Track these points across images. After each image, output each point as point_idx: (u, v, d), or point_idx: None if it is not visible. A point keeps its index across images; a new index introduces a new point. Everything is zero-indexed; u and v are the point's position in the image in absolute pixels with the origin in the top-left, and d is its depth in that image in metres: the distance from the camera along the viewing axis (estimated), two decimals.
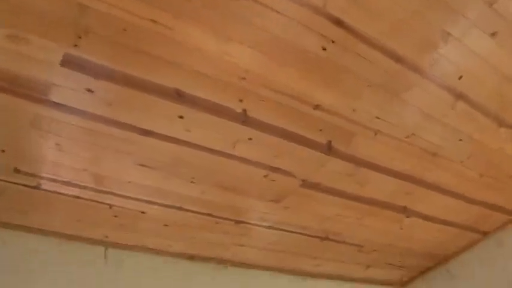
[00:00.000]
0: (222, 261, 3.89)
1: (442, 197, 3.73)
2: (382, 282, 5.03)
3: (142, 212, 3.12)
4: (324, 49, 2.36)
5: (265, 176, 3.01)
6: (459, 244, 4.65)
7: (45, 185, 2.78)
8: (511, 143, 3.38)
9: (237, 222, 3.41)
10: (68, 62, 2.14)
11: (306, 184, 3.18)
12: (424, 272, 5.05)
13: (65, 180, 2.76)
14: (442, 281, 4.91)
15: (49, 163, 2.66)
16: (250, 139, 2.70)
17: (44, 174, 2.72)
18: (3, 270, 3.01)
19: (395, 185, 3.43)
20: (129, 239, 3.42)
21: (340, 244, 4.03)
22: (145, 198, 3.01)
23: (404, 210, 3.78)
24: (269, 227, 3.56)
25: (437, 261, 4.88)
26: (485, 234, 4.56)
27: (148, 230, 3.33)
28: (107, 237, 3.35)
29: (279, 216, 3.46)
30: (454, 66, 2.67)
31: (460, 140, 3.20)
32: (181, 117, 2.48)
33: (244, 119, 2.57)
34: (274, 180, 3.05)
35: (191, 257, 3.74)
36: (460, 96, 2.86)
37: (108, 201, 2.99)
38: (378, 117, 2.83)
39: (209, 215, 3.26)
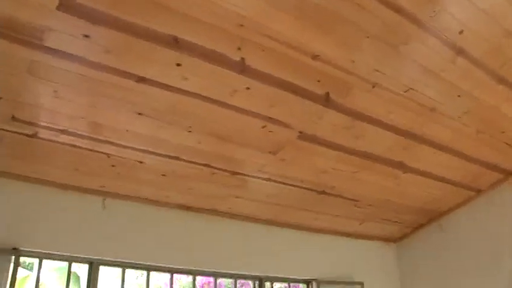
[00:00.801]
0: (218, 213, 3.93)
1: (438, 153, 3.75)
2: (376, 238, 5.11)
3: (140, 162, 3.13)
4: None
5: (262, 127, 3.01)
6: (453, 201, 4.69)
7: (43, 134, 2.79)
8: (508, 101, 3.37)
9: (234, 173, 3.44)
10: (64, 6, 2.11)
11: (303, 136, 3.18)
12: (417, 228, 5.11)
13: (62, 128, 2.77)
14: (434, 237, 4.97)
15: (46, 111, 2.66)
16: (247, 88, 2.69)
17: (41, 123, 2.72)
18: (1, 220, 3.05)
19: (392, 139, 3.44)
20: (127, 189, 3.45)
21: (336, 198, 4.06)
22: (142, 147, 3.03)
23: (401, 166, 3.81)
24: (266, 179, 3.59)
25: (431, 217, 4.93)
26: (478, 192, 4.59)
27: (145, 180, 3.36)
28: (104, 187, 3.38)
29: (275, 168, 3.48)
30: (455, 19, 2.63)
31: (459, 95, 3.19)
32: (178, 64, 2.46)
33: (242, 68, 2.55)
34: (271, 131, 3.06)
35: (188, 208, 3.78)
36: (460, 51, 2.83)
37: (105, 151, 3.00)
38: (376, 70, 2.81)
39: (206, 165, 3.28)
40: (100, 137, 2.89)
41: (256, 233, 4.21)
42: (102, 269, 3.47)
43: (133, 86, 2.54)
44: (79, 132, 2.82)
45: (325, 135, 3.25)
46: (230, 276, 4.12)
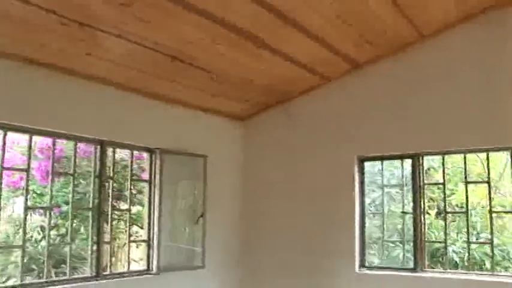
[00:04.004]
0: (61, 70, 3.58)
1: (296, 34, 3.73)
2: (224, 114, 5.16)
3: None
4: None
5: None
6: (303, 85, 4.83)
7: None
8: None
9: (83, 25, 3.07)
10: None
11: None
12: (265, 108, 5.24)
13: None
14: (281, 120, 5.13)
15: None
16: None
17: None
18: None
19: (256, 13, 3.32)
20: None
21: (189, 67, 3.92)
22: None
23: (260, 43, 3.75)
24: (118, 36, 3.28)
25: (280, 99, 5.06)
26: (328, 79, 4.75)
27: None
28: None
29: (129, 25, 3.19)
30: None
31: None
32: None
33: None
34: None
35: (31, 61, 3.39)
36: None
37: None
38: None
39: (52, 12, 2.89)
40: None
41: (103, 96, 3.97)
42: None
43: None
44: None
45: None
46: (70, 137, 3.87)
